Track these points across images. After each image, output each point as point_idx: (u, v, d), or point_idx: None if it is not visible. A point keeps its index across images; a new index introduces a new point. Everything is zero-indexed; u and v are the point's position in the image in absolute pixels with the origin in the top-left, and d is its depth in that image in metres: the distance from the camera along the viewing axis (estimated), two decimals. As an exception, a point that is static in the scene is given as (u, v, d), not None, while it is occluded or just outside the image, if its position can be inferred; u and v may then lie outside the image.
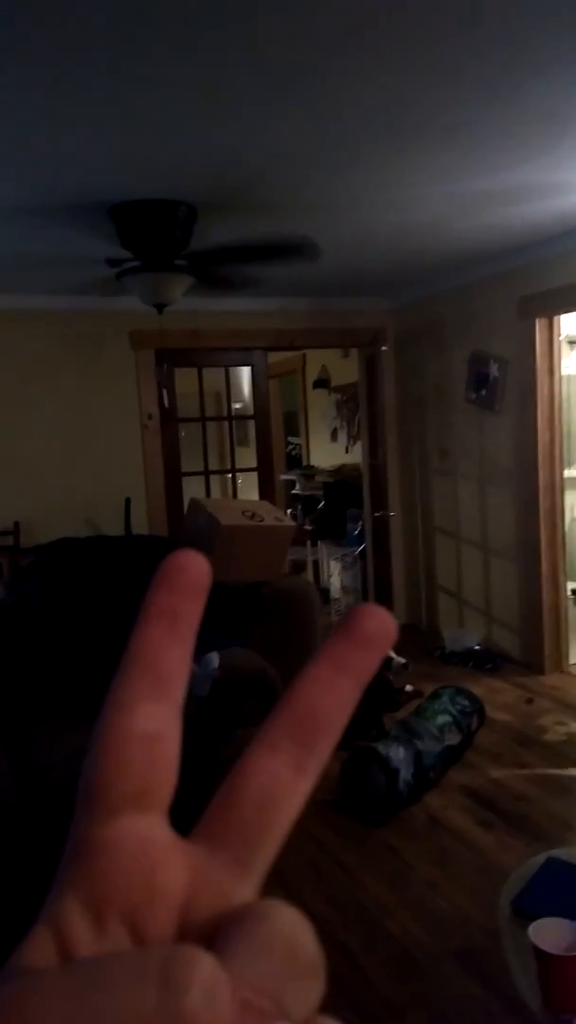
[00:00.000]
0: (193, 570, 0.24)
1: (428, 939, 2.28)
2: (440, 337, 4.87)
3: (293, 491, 7.07)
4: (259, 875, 0.23)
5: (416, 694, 3.97)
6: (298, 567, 6.10)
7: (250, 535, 3.18)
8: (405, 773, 2.95)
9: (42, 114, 2.01)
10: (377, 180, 2.71)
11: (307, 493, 6.77)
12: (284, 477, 7.11)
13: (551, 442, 4.18)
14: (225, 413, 5.39)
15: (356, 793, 2.95)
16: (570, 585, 4.40)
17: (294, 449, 7.97)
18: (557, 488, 4.24)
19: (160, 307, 3.19)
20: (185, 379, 4.84)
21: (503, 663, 4.50)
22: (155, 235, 2.85)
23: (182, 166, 2.47)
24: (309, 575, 6.31)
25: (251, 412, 5.30)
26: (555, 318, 4.09)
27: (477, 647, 4.68)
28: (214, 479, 5.29)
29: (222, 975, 0.18)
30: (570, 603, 4.39)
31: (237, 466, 5.34)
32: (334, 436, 6.93)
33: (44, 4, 1.51)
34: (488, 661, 4.50)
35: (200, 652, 2.80)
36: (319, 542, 6.30)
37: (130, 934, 0.21)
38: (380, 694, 3.78)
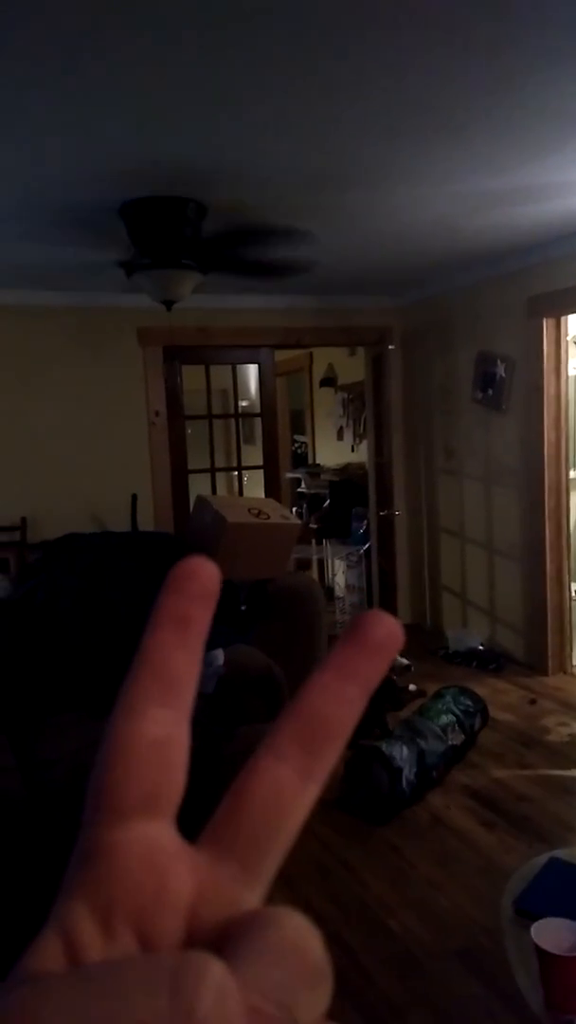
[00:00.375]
0: (203, 577, 0.25)
1: (430, 938, 2.28)
2: (447, 336, 4.87)
3: (299, 489, 7.07)
4: (266, 882, 0.23)
5: (419, 693, 3.97)
6: (303, 565, 6.10)
7: (256, 533, 3.19)
8: (408, 772, 2.95)
9: (49, 116, 2.02)
10: (385, 181, 2.71)
11: (313, 491, 6.77)
12: (290, 475, 7.11)
13: (557, 442, 4.18)
14: (232, 411, 5.40)
15: (359, 792, 2.96)
16: (575, 586, 4.40)
17: (300, 447, 7.97)
18: (563, 488, 4.24)
19: (169, 304, 3.20)
20: (192, 376, 4.85)
21: (507, 663, 4.50)
22: (165, 232, 2.85)
23: (190, 165, 2.47)
24: (314, 573, 6.31)
25: (257, 410, 5.30)
26: (562, 318, 4.08)
27: (481, 647, 4.68)
28: (220, 476, 5.29)
29: (232, 981, 0.19)
30: (575, 604, 4.39)
31: (243, 464, 5.34)
32: (340, 435, 6.93)
33: (50, 4, 1.51)
34: (492, 661, 4.50)
35: (205, 649, 2.81)
36: (324, 540, 6.30)
37: (138, 939, 0.21)
38: (384, 693, 3.78)
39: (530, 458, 4.26)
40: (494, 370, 4.46)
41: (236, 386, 5.26)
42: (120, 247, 3.08)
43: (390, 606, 5.32)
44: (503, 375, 4.40)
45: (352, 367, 6.33)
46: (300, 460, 7.77)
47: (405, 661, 3.96)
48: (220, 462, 5.29)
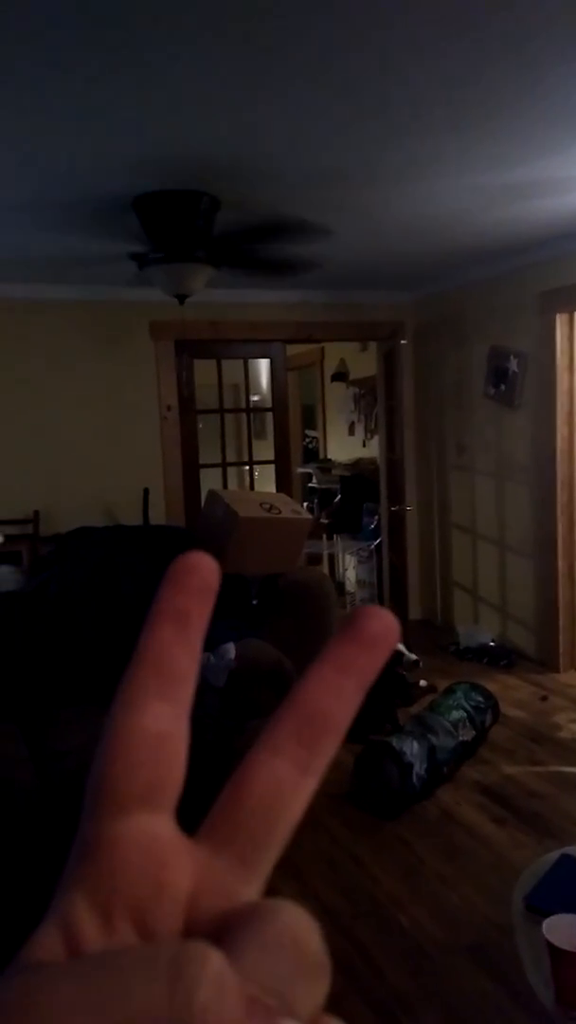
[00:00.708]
0: (202, 571, 0.25)
1: (440, 933, 2.28)
2: (459, 331, 4.84)
3: (310, 484, 7.07)
4: (263, 875, 0.23)
5: (430, 689, 3.97)
6: (314, 560, 6.10)
7: (267, 527, 3.19)
8: (418, 767, 2.95)
9: (63, 108, 2.02)
10: (401, 172, 2.70)
11: (324, 486, 6.76)
12: (301, 470, 7.11)
13: (570, 438, 4.15)
14: (243, 405, 5.39)
15: (369, 787, 2.96)
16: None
17: (311, 442, 7.96)
18: (575, 484, 4.22)
19: (181, 298, 3.20)
20: (204, 371, 4.85)
21: (518, 660, 4.48)
22: (178, 226, 2.85)
23: (204, 157, 2.46)
24: (325, 569, 6.31)
25: (269, 404, 5.30)
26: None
27: (492, 643, 4.67)
28: (231, 471, 5.29)
29: (231, 971, 0.19)
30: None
31: (254, 459, 5.34)
32: (351, 430, 6.92)
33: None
34: (503, 658, 4.49)
35: (216, 642, 2.82)
36: (335, 536, 6.30)
37: (137, 931, 0.21)
38: (394, 689, 3.78)
39: (542, 454, 4.24)
40: (507, 365, 4.44)
41: (248, 381, 5.26)
42: (133, 241, 3.08)
43: (401, 602, 5.32)
44: (516, 370, 4.38)
45: (364, 362, 6.32)
46: (311, 455, 7.77)
47: (414, 656, 3.95)
48: (231, 457, 5.29)
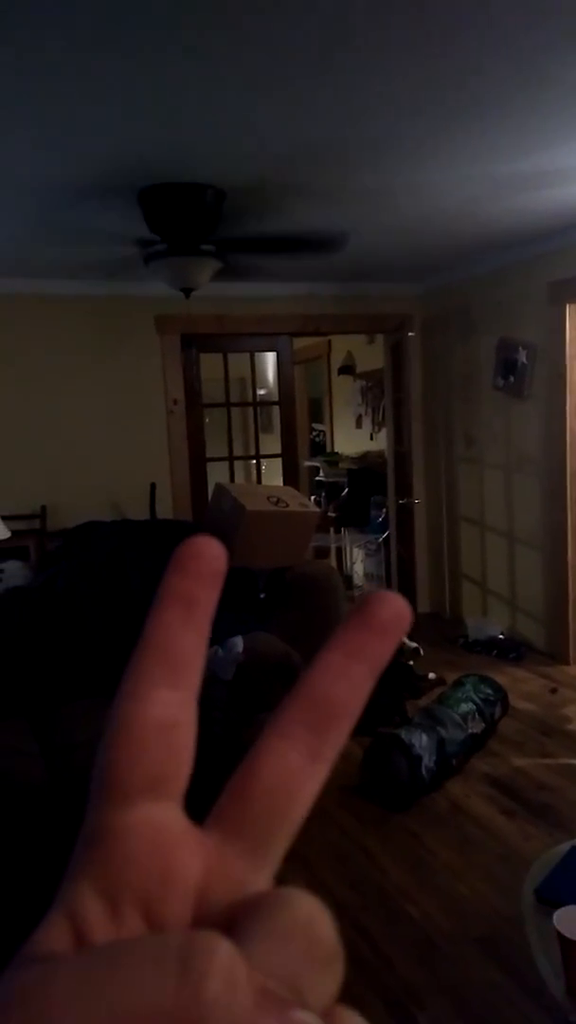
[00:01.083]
0: (209, 556, 0.24)
1: (449, 925, 2.28)
2: (467, 323, 4.82)
3: (317, 478, 7.06)
4: (274, 864, 0.23)
5: (439, 682, 3.96)
6: (322, 554, 6.10)
7: (275, 520, 3.18)
8: (427, 760, 2.95)
9: (71, 97, 2.01)
10: (410, 163, 2.68)
11: (331, 480, 6.75)
12: (308, 463, 7.10)
13: (579, 430, 4.13)
14: (250, 399, 5.39)
15: (378, 779, 2.96)
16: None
17: (318, 435, 7.95)
18: (585, 476, 4.20)
19: (187, 292, 3.19)
20: (210, 364, 4.84)
21: (527, 652, 4.47)
22: (183, 219, 2.84)
23: (212, 150, 2.45)
24: (333, 562, 6.30)
25: (276, 398, 5.29)
26: (585, 304, 4.03)
27: (501, 636, 4.66)
28: (238, 465, 5.29)
29: (241, 962, 0.18)
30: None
31: (261, 452, 5.34)
32: (359, 423, 6.90)
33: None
34: (512, 650, 4.48)
35: (224, 636, 2.82)
36: (343, 529, 6.29)
37: (145, 921, 0.21)
38: (403, 681, 3.78)
39: (552, 446, 4.22)
40: (515, 357, 4.41)
41: (254, 374, 5.25)
42: (138, 234, 3.07)
43: (409, 595, 5.31)
44: (525, 362, 4.35)
45: (371, 355, 6.30)
46: (318, 448, 7.75)
47: (413, 644, 3.93)
48: (238, 450, 5.29)
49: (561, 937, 1.41)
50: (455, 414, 5.06)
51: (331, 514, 6.30)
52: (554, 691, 3.97)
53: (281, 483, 4.96)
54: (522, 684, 4.05)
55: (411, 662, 3.92)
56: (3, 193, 2.78)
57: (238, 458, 5.25)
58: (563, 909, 1.45)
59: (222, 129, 2.30)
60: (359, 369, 6.75)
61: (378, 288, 5.05)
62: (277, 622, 3.08)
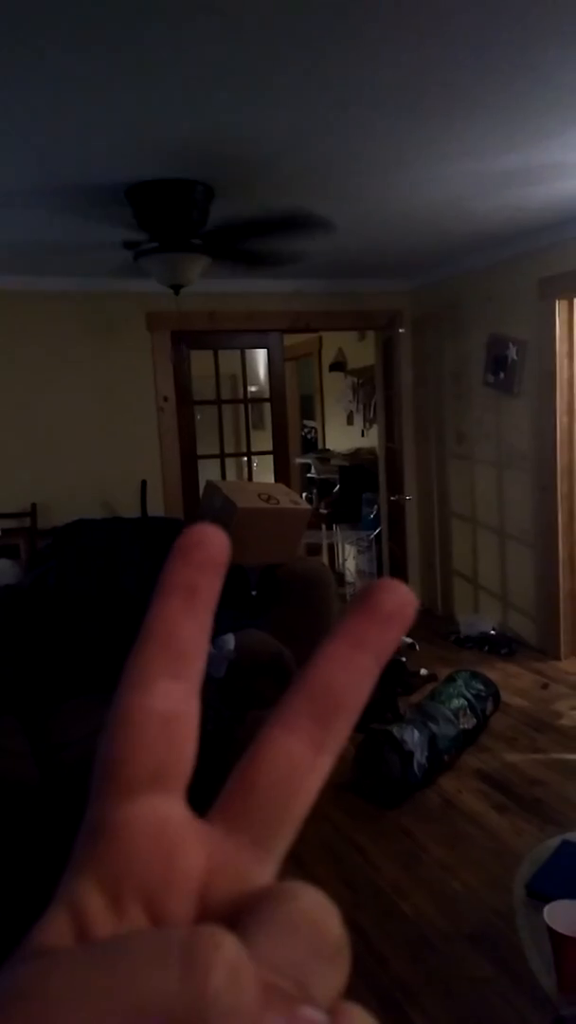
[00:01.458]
0: (211, 545, 0.24)
1: (442, 921, 2.29)
2: (458, 319, 4.82)
3: (308, 475, 7.06)
4: (278, 857, 0.22)
5: (431, 678, 3.97)
6: (313, 551, 6.09)
7: (266, 518, 3.18)
8: (419, 756, 2.96)
9: (57, 96, 2.00)
10: (397, 159, 2.68)
11: (322, 477, 6.75)
12: (299, 460, 7.09)
13: (570, 426, 4.14)
14: (241, 396, 5.38)
15: (370, 775, 2.97)
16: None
17: (309, 432, 7.94)
18: (575, 472, 4.21)
19: (177, 288, 3.18)
20: (201, 361, 4.83)
21: (518, 648, 4.49)
22: (172, 215, 2.83)
23: (198, 145, 2.44)
24: (324, 559, 6.30)
25: (267, 395, 5.28)
26: (575, 300, 4.04)
27: (492, 632, 4.67)
28: (229, 462, 5.28)
29: (246, 956, 0.18)
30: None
31: (252, 449, 5.33)
32: (350, 419, 6.90)
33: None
34: (503, 646, 4.49)
35: (216, 633, 2.81)
36: (334, 526, 6.29)
37: (148, 915, 0.20)
38: (395, 677, 3.79)
39: (542, 442, 4.23)
40: (506, 353, 4.42)
41: (245, 371, 5.24)
42: (127, 231, 3.06)
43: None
44: (515, 358, 4.36)
45: (362, 351, 6.30)
46: (310, 445, 7.75)
47: (408, 639, 3.94)
48: (229, 448, 5.28)
49: (552, 932, 1.42)
50: (446, 410, 5.07)
51: (323, 511, 6.30)
52: (545, 686, 3.98)
53: (272, 480, 4.95)
54: (514, 680, 4.06)
55: (404, 658, 3.94)
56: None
57: (229, 455, 5.24)
58: (553, 904, 1.46)
59: (209, 126, 2.29)
60: (350, 366, 6.75)
61: (368, 285, 5.05)
62: (269, 619, 3.08)
